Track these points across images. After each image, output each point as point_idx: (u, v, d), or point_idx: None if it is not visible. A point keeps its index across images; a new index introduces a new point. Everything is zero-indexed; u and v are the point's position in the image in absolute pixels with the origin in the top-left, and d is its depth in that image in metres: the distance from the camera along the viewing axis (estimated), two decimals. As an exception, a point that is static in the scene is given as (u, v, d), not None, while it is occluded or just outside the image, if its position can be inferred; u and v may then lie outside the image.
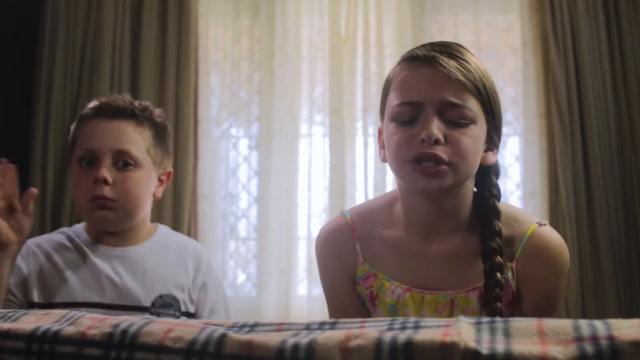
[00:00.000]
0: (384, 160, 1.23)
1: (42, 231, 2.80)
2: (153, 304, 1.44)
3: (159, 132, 1.52)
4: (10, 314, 0.71)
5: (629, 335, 0.51)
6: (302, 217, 2.96)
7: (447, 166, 1.10)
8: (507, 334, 0.55)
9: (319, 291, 2.89)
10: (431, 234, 1.20)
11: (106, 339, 0.63)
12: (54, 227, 2.82)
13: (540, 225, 1.19)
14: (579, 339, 0.52)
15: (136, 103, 1.51)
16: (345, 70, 3.00)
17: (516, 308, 1.19)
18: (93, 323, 0.66)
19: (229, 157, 3.05)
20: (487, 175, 1.21)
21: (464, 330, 0.55)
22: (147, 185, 1.49)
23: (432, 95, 1.12)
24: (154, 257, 1.50)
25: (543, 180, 2.86)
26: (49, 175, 2.86)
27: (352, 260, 1.25)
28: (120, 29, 2.99)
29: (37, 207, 2.83)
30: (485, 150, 1.18)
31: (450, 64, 1.13)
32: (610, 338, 0.51)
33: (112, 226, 1.48)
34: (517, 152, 2.97)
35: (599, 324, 0.54)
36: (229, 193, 3.02)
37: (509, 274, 1.17)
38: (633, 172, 2.82)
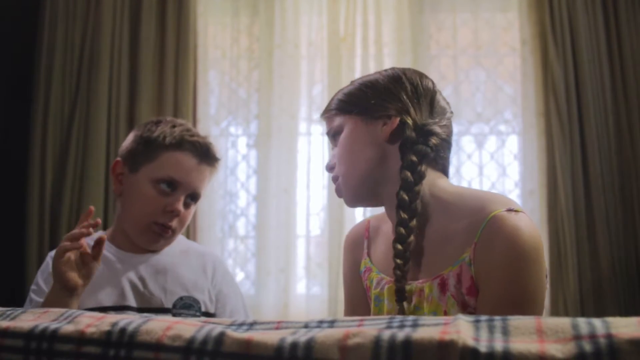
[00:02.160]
0: None
1: (40, 231, 2.80)
2: (174, 305, 1.52)
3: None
4: (9, 312, 0.71)
5: (627, 334, 0.51)
6: (301, 215, 2.96)
7: (337, 181, 1.26)
8: (505, 332, 0.55)
9: (317, 289, 2.90)
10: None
11: (104, 337, 0.63)
12: (53, 227, 2.82)
13: (510, 211, 1.10)
14: (577, 337, 0.52)
15: (216, 149, 1.63)
16: (344, 69, 3.00)
17: (477, 300, 1.11)
18: (91, 321, 0.66)
19: (227, 156, 3.04)
20: (404, 148, 1.21)
21: (462, 329, 0.55)
22: None
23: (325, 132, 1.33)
24: (175, 262, 1.59)
25: (542, 179, 2.86)
26: (48, 175, 2.86)
27: (359, 254, 1.36)
28: (119, 27, 2.98)
29: (35, 207, 2.83)
30: (383, 126, 1.22)
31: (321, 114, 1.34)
32: (609, 336, 0.51)
33: (156, 250, 1.59)
34: (515, 151, 2.97)
35: (597, 322, 0.54)
36: (228, 191, 3.02)
37: (466, 258, 1.11)
38: (631, 170, 2.82)
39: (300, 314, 2.84)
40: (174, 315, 1.49)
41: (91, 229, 1.37)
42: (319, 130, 3.03)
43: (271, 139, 2.97)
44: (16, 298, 2.68)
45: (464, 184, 2.92)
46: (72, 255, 1.36)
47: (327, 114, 1.30)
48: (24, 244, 2.79)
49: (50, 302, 1.36)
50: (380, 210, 1.33)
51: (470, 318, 0.59)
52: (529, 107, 2.92)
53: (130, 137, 1.62)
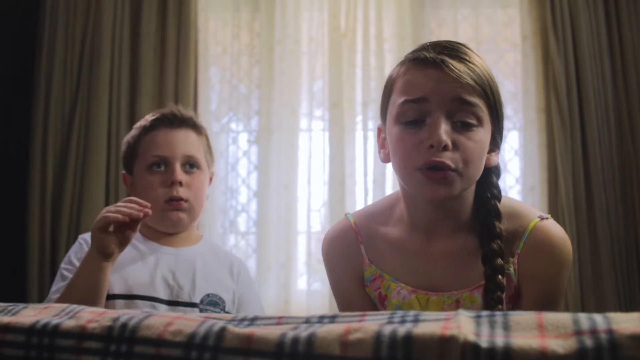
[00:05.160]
0: (384, 160, 1.22)
1: (41, 228, 2.80)
2: (201, 301, 1.53)
3: (208, 140, 1.69)
4: (10, 308, 0.71)
5: (628, 329, 0.51)
6: (301, 211, 2.96)
7: (454, 172, 1.09)
8: (506, 327, 0.55)
9: (318, 285, 2.90)
10: (433, 234, 1.19)
11: (106, 332, 0.63)
12: (54, 223, 2.82)
13: (542, 219, 1.17)
14: (578, 332, 0.52)
15: (191, 113, 1.67)
16: (344, 65, 3.00)
17: (518, 303, 1.18)
18: (93, 317, 0.66)
19: (228, 152, 3.04)
20: (489, 175, 1.19)
21: (463, 324, 0.55)
22: (206, 186, 1.64)
23: (441, 94, 1.09)
24: (203, 259, 1.61)
25: (542, 175, 2.86)
26: (49, 171, 2.86)
27: (358, 262, 1.26)
28: (120, 23, 2.98)
29: (36, 204, 2.83)
30: (489, 152, 1.16)
31: (460, 68, 1.09)
32: (610, 332, 0.51)
33: (182, 227, 1.61)
34: (516, 147, 2.97)
35: (598, 317, 0.54)
36: (229, 187, 3.02)
37: (511, 269, 1.16)
38: (632, 166, 2.82)
39: (301, 309, 2.84)
40: (201, 311, 1.51)
41: (141, 214, 1.38)
42: (320, 126, 3.03)
43: (272, 135, 2.97)
44: (18, 294, 2.69)
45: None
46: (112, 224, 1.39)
47: (479, 96, 1.10)
48: (25, 240, 2.79)
49: (85, 268, 1.38)
50: (354, 208, 1.31)
51: (472, 313, 0.59)
52: (529, 103, 2.92)
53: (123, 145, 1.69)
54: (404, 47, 2.98)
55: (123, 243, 1.41)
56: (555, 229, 1.17)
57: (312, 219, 2.96)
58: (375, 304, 1.26)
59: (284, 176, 2.94)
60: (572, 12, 2.90)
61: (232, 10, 3.09)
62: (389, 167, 2.93)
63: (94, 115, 2.89)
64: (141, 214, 1.38)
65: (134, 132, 1.64)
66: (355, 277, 1.27)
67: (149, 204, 1.40)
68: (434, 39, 3.01)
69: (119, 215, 1.36)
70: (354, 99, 3.00)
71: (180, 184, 1.55)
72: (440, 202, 1.14)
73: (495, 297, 1.12)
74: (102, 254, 1.38)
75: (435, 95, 1.09)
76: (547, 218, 1.18)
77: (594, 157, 2.80)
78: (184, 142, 1.60)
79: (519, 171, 2.95)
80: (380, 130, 1.24)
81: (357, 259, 1.26)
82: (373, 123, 2.98)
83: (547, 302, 1.15)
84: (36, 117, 2.90)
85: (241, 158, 3.06)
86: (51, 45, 2.95)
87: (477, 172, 1.13)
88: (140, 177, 1.59)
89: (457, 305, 1.16)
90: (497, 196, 1.18)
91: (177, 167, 1.56)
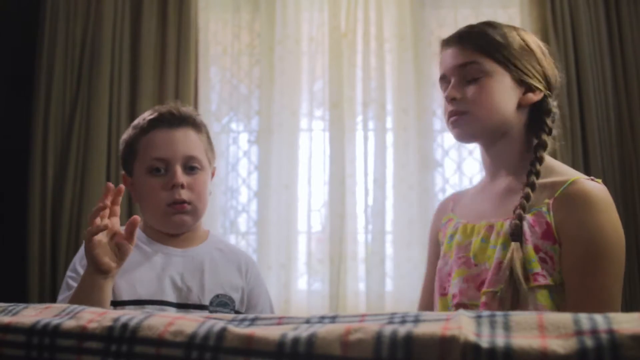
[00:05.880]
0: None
1: (42, 228, 2.80)
2: (211, 303, 1.50)
3: (208, 136, 1.63)
4: (10, 308, 0.71)
5: (629, 329, 0.51)
6: (302, 211, 2.96)
7: (465, 114, 1.37)
8: (507, 327, 0.55)
9: (318, 285, 2.90)
10: (495, 176, 1.43)
11: (106, 332, 0.63)
12: (54, 224, 2.83)
13: (590, 179, 1.29)
14: (579, 332, 0.52)
15: (190, 110, 1.61)
16: (345, 65, 3.00)
17: (561, 262, 1.25)
18: (93, 317, 0.66)
19: (229, 152, 3.05)
20: (536, 115, 1.40)
21: (464, 324, 0.55)
22: (208, 184, 1.60)
23: (453, 67, 1.40)
24: (211, 259, 1.58)
25: (543, 175, 2.86)
26: (49, 172, 2.86)
27: (442, 218, 1.54)
28: (120, 23, 2.98)
29: (37, 204, 2.83)
30: (525, 93, 1.38)
31: (458, 43, 1.40)
32: (611, 332, 0.51)
33: (186, 229, 1.57)
34: (517, 147, 2.97)
35: (599, 317, 0.54)
36: (229, 187, 3.02)
37: (543, 208, 1.28)
38: (633, 166, 2.82)
39: (302, 309, 2.84)
40: (211, 312, 1.47)
41: (107, 202, 1.33)
42: (320, 126, 3.03)
43: (272, 135, 2.97)
44: (18, 295, 2.69)
45: (465, 181, 2.93)
46: (102, 237, 1.33)
47: (476, 52, 1.38)
48: (25, 241, 2.79)
49: (84, 285, 1.34)
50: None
51: (472, 314, 0.59)
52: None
53: (120, 145, 1.64)
54: (404, 47, 2.98)
55: (121, 257, 1.36)
56: (595, 186, 1.27)
57: (312, 219, 2.96)
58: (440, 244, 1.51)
59: (285, 176, 2.94)
60: (572, 12, 2.90)
61: (233, 10, 3.09)
62: (389, 167, 2.94)
63: (95, 116, 2.89)
64: (107, 203, 1.33)
65: (131, 131, 1.58)
66: (436, 232, 1.56)
67: (113, 187, 1.35)
68: (434, 39, 3.04)
69: (94, 226, 1.31)
70: (355, 99, 3.01)
71: (182, 186, 1.51)
72: (482, 143, 1.43)
73: (516, 213, 1.29)
74: (98, 271, 1.33)
75: (449, 70, 1.41)
76: (595, 180, 1.30)
77: (595, 157, 2.80)
78: (184, 142, 1.54)
79: (519, 171, 2.95)
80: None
81: (442, 215, 1.56)
82: (373, 123, 2.98)
83: (590, 265, 1.22)
84: (37, 118, 2.90)
85: (241, 158, 3.06)
86: (51, 45, 2.95)
87: (491, 114, 1.35)
88: (140, 179, 1.54)
89: (490, 229, 1.34)
90: (543, 144, 1.37)
91: (178, 169, 1.51)
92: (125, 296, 1.46)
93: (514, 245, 1.25)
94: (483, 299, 1.28)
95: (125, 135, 1.61)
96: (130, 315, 0.65)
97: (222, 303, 1.52)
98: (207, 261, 1.56)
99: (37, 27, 2.98)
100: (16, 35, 3.03)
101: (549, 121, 1.41)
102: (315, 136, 3.03)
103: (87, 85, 2.93)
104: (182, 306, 1.48)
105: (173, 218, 1.52)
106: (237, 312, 1.54)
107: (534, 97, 1.39)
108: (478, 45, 1.38)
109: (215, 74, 3.10)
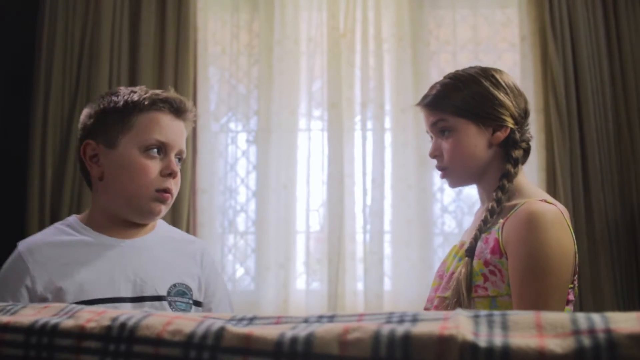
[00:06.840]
0: None
1: (41, 227, 2.80)
2: (168, 293, 1.44)
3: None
4: (9, 307, 0.71)
5: (626, 329, 0.51)
6: (300, 211, 2.96)
7: (446, 169, 1.52)
8: (504, 327, 0.55)
9: (317, 285, 2.90)
10: (483, 202, 1.55)
11: (105, 332, 0.63)
12: (54, 222, 2.82)
13: (543, 201, 1.39)
14: (576, 332, 0.52)
15: (192, 106, 1.56)
16: (343, 65, 3.00)
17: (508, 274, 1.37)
18: (92, 316, 0.66)
19: (227, 152, 3.04)
20: (506, 149, 1.50)
21: (462, 324, 0.55)
22: None
23: (426, 123, 1.56)
24: (162, 247, 1.51)
25: (541, 175, 2.86)
26: (48, 170, 2.86)
27: None
28: (119, 23, 2.98)
29: (36, 204, 2.83)
30: (494, 132, 1.48)
31: (425, 107, 1.55)
32: (608, 331, 0.51)
33: (153, 219, 1.52)
34: (515, 147, 2.97)
35: (596, 317, 0.54)
36: (228, 187, 3.02)
37: (496, 227, 1.41)
38: (630, 166, 2.82)
39: (300, 309, 2.84)
40: (170, 303, 1.42)
41: None
42: (319, 126, 3.03)
43: (271, 135, 2.97)
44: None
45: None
46: None
47: (438, 111, 1.51)
48: (23, 239, 2.79)
49: None
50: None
51: (470, 313, 0.59)
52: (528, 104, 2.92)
53: (90, 114, 1.54)
54: (402, 47, 2.99)
55: None
56: (541, 207, 1.37)
57: (311, 219, 2.96)
58: None
59: (283, 176, 2.94)
60: (570, 12, 2.90)
61: (231, 10, 3.09)
62: (388, 167, 2.94)
63: (93, 115, 2.89)
64: None
65: (125, 100, 1.47)
66: None
67: None
68: (433, 39, 3.05)
69: None
70: (353, 99, 3.01)
71: (174, 177, 1.47)
72: (471, 183, 1.57)
73: (474, 234, 1.45)
74: None
75: (427, 128, 1.58)
76: (546, 201, 1.39)
77: (593, 157, 2.80)
78: (181, 135, 1.50)
79: (517, 171, 2.95)
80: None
81: None
82: (372, 123, 2.98)
83: (530, 273, 1.31)
84: (35, 117, 2.90)
85: (240, 158, 3.06)
86: (50, 45, 2.95)
87: (464, 163, 1.50)
88: (130, 155, 1.44)
89: (461, 246, 1.50)
90: (507, 174, 1.47)
91: (173, 158, 1.47)
92: (71, 298, 1.36)
93: (465, 260, 1.42)
94: (435, 302, 1.48)
95: (110, 103, 1.49)
96: (128, 314, 0.65)
97: (179, 292, 1.45)
98: (157, 250, 1.49)
99: (36, 28, 2.98)
100: (15, 36, 3.02)
101: (514, 153, 1.50)
102: (314, 136, 3.03)
103: (86, 85, 2.93)
104: (138, 300, 1.40)
105: (153, 205, 1.45)
106: (195, 301, 1.48)
107: (501, 135, 1.49)
108: (439, 106, 1.52)
109: (214, 73, 3.10)
